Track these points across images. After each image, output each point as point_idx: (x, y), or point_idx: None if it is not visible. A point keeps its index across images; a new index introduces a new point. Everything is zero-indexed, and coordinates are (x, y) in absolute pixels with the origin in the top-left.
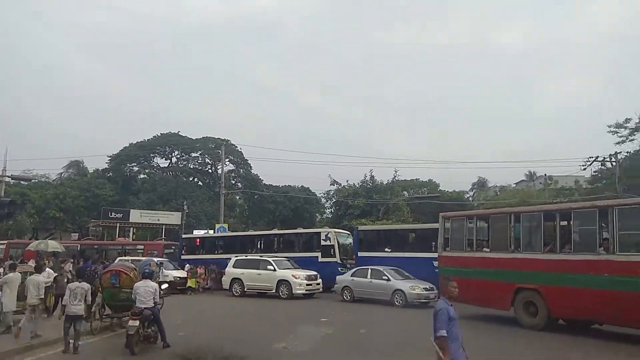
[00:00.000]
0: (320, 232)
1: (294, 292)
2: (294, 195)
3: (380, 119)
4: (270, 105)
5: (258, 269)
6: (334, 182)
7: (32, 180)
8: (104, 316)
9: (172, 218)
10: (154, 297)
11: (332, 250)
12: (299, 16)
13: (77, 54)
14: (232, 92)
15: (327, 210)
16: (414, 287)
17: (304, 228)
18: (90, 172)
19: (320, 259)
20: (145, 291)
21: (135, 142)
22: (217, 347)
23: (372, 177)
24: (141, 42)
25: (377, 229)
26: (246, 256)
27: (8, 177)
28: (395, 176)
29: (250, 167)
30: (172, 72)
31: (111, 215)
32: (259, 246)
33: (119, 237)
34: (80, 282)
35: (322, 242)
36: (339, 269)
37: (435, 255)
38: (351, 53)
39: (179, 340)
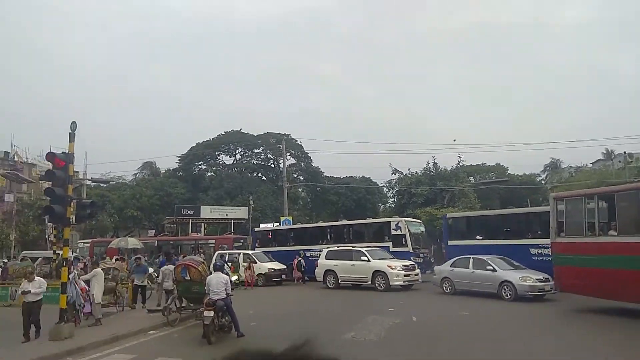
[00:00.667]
0: (390, 222)
1: (391, 283)
2: (355, 186)
3: (440, 104)
4: (327, 97)
5: (351, 259)
6: (395, 171)
7: (111, 182)
8: (180, 308)
9: (239, 213)
10: (225, 289)
11: (403, 239)
12: (351, 7)
13: (146, 62)
14: (290, 87)
15: (390, 199)
16: (526, 278)
17: (367, 218)
18: (162, 172)
19: (391, 249)
20: (217, 283)
21: (201, 141)
22: (285, 336)
23: (434, 163)
24: (201, 46)
25: (467, 215)
26: (337, 247)
27: (89, 180)
28: (459, 162)
29: (311, 160)
30: (233, 73)
31: (183, 212)
32: (329, 237)
33: (191, 232)
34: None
35: (393, 232)
36: (412, 258)
37: (533, 242)
38: (405, 39)
39: (251, 330)
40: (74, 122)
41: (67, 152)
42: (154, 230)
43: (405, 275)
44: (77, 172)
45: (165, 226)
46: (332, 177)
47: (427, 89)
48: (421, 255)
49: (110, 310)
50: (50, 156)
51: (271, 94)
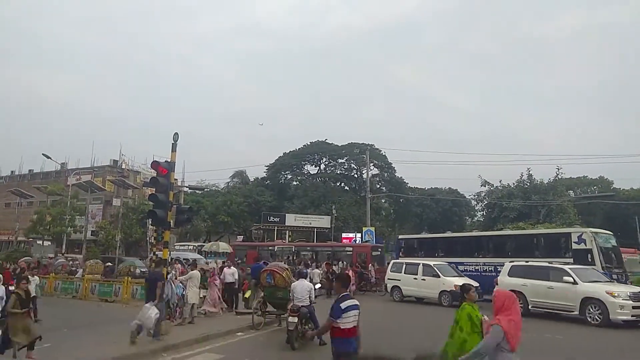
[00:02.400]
0: (571, 233)
1: (611, 316)
2: (441, 198)
3: (534, 113)
4: (413, 108)
5: (548, 279)
6: (485, 183)
7: (205, 189)
8: (265, 312)
9: (322, 221)
10: (309, 296)
11: (589, 255)
12: (436, 17)
13: (235, 77)
14: (375, 97)
15: (478, 213)
16: None
17: (453, 232)
18: (251, 180)
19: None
20: (302, 290)
21: (288, 151)
22: (370, 348)
23: (529, 175)
24: (287, 60)
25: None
26: (527, 262)
27: (186, 187)
28: (557, 174)
29: (395, 170)
30: (317, 85)
31: (270, 219)
32: (487, 249)
33: (276, 239)
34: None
35: (575, 246)
36: None
37: None
38: (498, 47)
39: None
40: (176, 134)
41: (169, 160)
42: (242, 236)
43: (634, 307)
44: (177, 179)
45: (253, 232)
46: (416, 188)
47: (521, 97)
48: (615, 275)
49: (201, 311)
50: (155, 164)
51: (357, 104)
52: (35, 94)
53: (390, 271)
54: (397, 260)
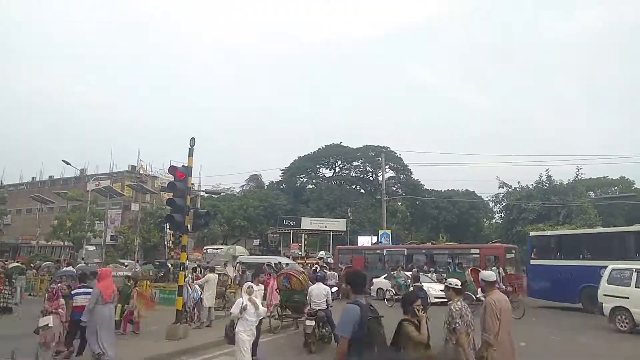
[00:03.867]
0: None
1: None
2: (458, 200)
3: (553, 113)
4: (430, 109)
5: None
6: (502, 185)
7: (221, 194)
8: (282, 316)
9: (338, 225)
10: (326, 300)
11: None
12: (455, 18)
13: (252, 81)
14: (390, 99)
15: (497, 214)
16: None
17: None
18: (266, 184)
19: None
20: (319, 294)
21: (303, 155)
22: None
23: (548, 176)
24: (310, 64)
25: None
26: None
27: (203, 191)
28: (577, 174)
29: (411, 172)
30: (334, 88)
31: (285, 222)
32: None
33: (292, 243)
34: None
35: None
36: None
37: None
38: (518, 46)
39: None
40: (192, 139)
41: (186, 165)
42: (258, 240)
43: None
44: (193, 184)
45: (269, 236)
46: (433, 190)
47: (540, 96)
48: None
49: (219, 314)
50: (172, 169)
51: (372, 106)
52: (55, 101)
53: (608, 283)
54: (621, 268)
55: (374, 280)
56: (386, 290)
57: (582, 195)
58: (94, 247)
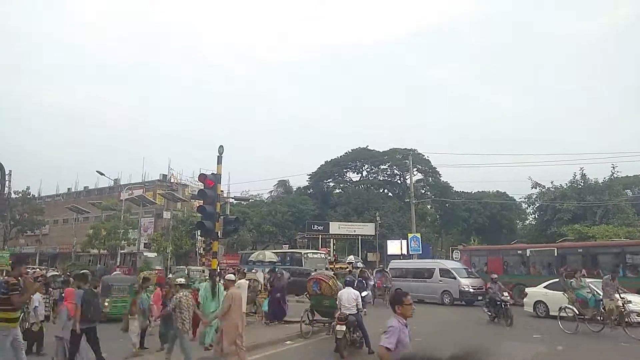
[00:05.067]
0: None
1: None
2: (488, 202)
3: (584, 112)
4: (458, 110)
5: None
6: (535, 185)
7: (250, 200)
8: (312, 321)
9: (367, 229)
10: (357, 304)
11: None
12: (479, 19)
13: (276, 86)
14: (417, 101)
15: (530, 216)
16: None
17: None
18: (294, 189)
19: None
20: (349, 298)
21: (330, 159)
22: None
23: (582, 175)
24: (329, 68)
25: None
26: None
27: (232, 198)
28: (612, 173)
29: (439, 175)
30: (357, 92)
31: (313, 227)
32: None
33: (320, 247)
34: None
35: None
36: None
37: None
38: (544, 47)
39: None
40: (221, 146)
41: (215, 173)
42: (287, 245)
43: None
44: (222, 191)
45: (297, 241)
46: (463, 192)
47: (570, 96)
48: None
49: (249, 320)
50: (202, 177)
51: (398, 108)
52: (88, 113)
53: None
54: None
55: (528, 290)
56: (562, 308)
57: (618, 194)
58: (155, 254)
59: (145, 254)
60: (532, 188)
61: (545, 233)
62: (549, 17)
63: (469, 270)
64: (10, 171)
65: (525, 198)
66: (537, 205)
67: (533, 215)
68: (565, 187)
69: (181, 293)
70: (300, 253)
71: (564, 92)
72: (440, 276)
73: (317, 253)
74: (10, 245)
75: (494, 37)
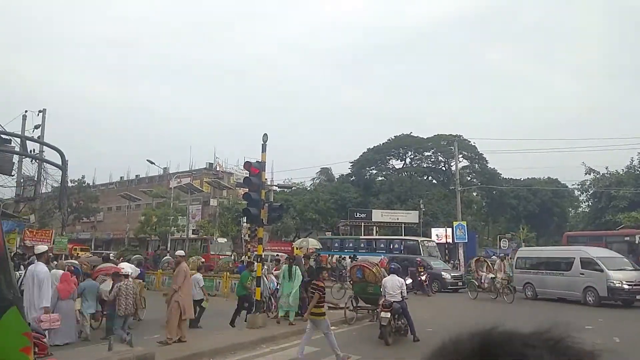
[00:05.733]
0: None
1: None
2: (539, 189)
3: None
4: (507, 93)
5: None
6: (589, 171)
7: (293, 188)
8: (356, 307)
9: (410, 217)
10: (401, 292)
11: None
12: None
13: (319, 74)
14: (464, 85)
15: (583, 203)
16: None
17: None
18: (336, 177)
19: None
20: (393, 286)
21: (372, 147)
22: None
23: None
24: (369, 53)
25: None
26: None
27: (275, 186)
28: None
29: (486, 161)
30: (401, 77)
31: (356, 215)
32: None
33: (363, 234)
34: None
35: None
36: None
37: None
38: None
39: (427, 335)
40: (265, 134)
41: (260, 161)
42: (330, 232)
43: None
44: (267, 179)
45: (340, 228)
46: (511, 179)
47: (624, 72)
48: None
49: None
50: (247, 165)
51: (443, 92)
52: (136, 104)
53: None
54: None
55: None
56: None
57: None
58: (225, 240)
59: (217, 239)
60: (585, 174)
61: (600, 221)
62: None
63: (624, 259)
64: (67, 160)
65: (578, 185)
66: (591, 192)
67: (586, 203)
68: (621, 172)
69: (122, 282)
70: (417, 241)
71: (620, 71)
72: (582, 268)
73: (430, 241)
74: (67, 232)
75: (544, 14)
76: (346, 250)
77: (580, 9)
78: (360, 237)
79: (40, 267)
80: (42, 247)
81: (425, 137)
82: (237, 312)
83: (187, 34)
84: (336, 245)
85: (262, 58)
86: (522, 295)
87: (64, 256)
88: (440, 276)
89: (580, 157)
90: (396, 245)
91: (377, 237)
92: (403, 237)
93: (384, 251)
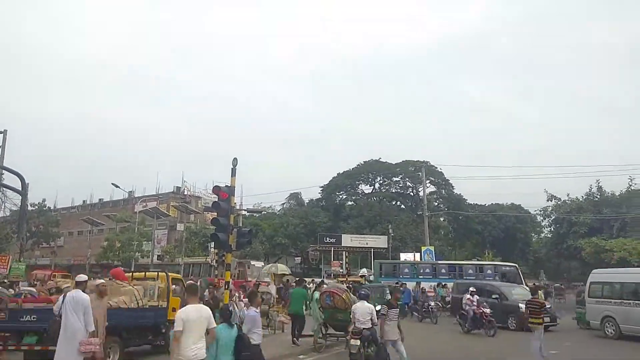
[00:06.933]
0: None
1: None
2: (503, 214)
3: (603, 125)
4: (472, 121)
5: None
6: (551, 197)
7: (263, 212)
8: (325, 335)
9: (379, 241)
10: (371, 319)
11: None
12: (504, 29)
13: (289, 99)
14: (431, 112)
15: (545, 229)
16: None
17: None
18: (306, 202)
19: None
20: (363, 312)
21: (342, 171)
22: None
23: (599, 187)
24: (348, 79)
25: None
26: None
27: (244, 210)
28: (630, 185)
29: (453, 187)
30: (372, 104)
31: (326, 240)
32: None
33: (333, 260)
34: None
35: None
36: None
37: None
38: (565, 55)
39: None
40: (235, 159)
41: (229, 185)
42: (300, 257)
43: None
44: (235, 203)
45: (309, 254)
46: (477, 204)
47: (590, 106)
48: None
49: (262, 332)
50: (216, 189)
51: (412, 120)
52: (100, 126)
53: None
54: None
55: None
56: None
57: (637, 207)
58: (262, 264)
59: (253, 263)
60: (547, 201)
61: (562, 246)
62: (579, 27)
63: None
64: (27, 183)
65: (540, 211)
66: (553, 218)
67: (549, 228)
68: (581, 199)
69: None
70: (515, 267)
71: (582, 103)
72: None
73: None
74: (25, 257)
75: (515, 46)
76: (421, 277)
77: (550, 43)
78: (440, 262)
79: (80, 294)
80: (82, 277)
81: (393, 163)
82: (293, 328)
83: (149, 52)
84: (406, 271)
85: (233, 80)
86: (599, 333)
87: (19, 283)
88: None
89: (543, 184)
90: (489, 272)
91: (463, 262)
92: (498, 263)
93: (473, 277)
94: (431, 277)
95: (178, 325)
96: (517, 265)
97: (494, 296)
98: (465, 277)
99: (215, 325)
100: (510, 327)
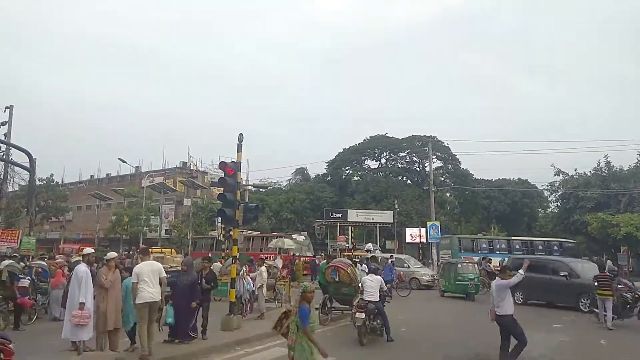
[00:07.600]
0: None
1: None
2: (509, 189)
3: (612, 100)
4: (481, 96)
5: None
6: (558, 172)
7: (269, 188)
8: (330, 308)
9: (385, 217)
10: (380, 288)
11: None
12: (511, 4)
13: (297, 74)
14: (437, 87)
15: (552, 204)
16: None
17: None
18: (312, 177)
19: None
20: (371, 285)
21: (348, 147)
22: (435, 345)
23: (607, 162)
24: (348, 56)
25: None
26: None
27: (251, 185)
28: (638, 160)
29: (459, 162)
30: (379, 79)
31: (332, 215)
32: None
33: (339, 235)
34: None
35: None
36: None
37: None
38: (574, 29)
39: (401, 336)
40: (241, 134)
41: (235, 160)
42: (305, 232)
43: None
44: (242, 178)
45: (315, 228)
46: (483, 179)
47: (599, 80)
48: None
49: (270, 305)
50: (222, 165)
51: (418, 95)
52: (109, 101)
53: None
54: None
55: None
56: None
57: None
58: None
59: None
60: (555, 175)
61: (568, 221)
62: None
63: None
64: (35, 158)
65: (547, 186)
66: (560, 193)
67: (555, 204)
68: (589, 174)
69: None
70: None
71: (591, 77)
72: None
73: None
74: (35, 232)
75: (521, 20)
76: (498, 253)
77: (556, 17)
78: (513, 237)
79: (80, 266)
80: (87, 250)
81: (400, 138)
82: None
83: (158, 28)
84: (484, 246)
85: (241, 57)
86: None
87: (31, 257)
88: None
89: (551, 159)
90: (555, 248)
91: (534, 238)
92: (562, 240)
93: (543, 253)
94: (507, 252)
95: (133, 278)
96: (577, 242)
97: (562, 273)
98: (536, 253)
99: (165, 275)
100: (583, 310)
